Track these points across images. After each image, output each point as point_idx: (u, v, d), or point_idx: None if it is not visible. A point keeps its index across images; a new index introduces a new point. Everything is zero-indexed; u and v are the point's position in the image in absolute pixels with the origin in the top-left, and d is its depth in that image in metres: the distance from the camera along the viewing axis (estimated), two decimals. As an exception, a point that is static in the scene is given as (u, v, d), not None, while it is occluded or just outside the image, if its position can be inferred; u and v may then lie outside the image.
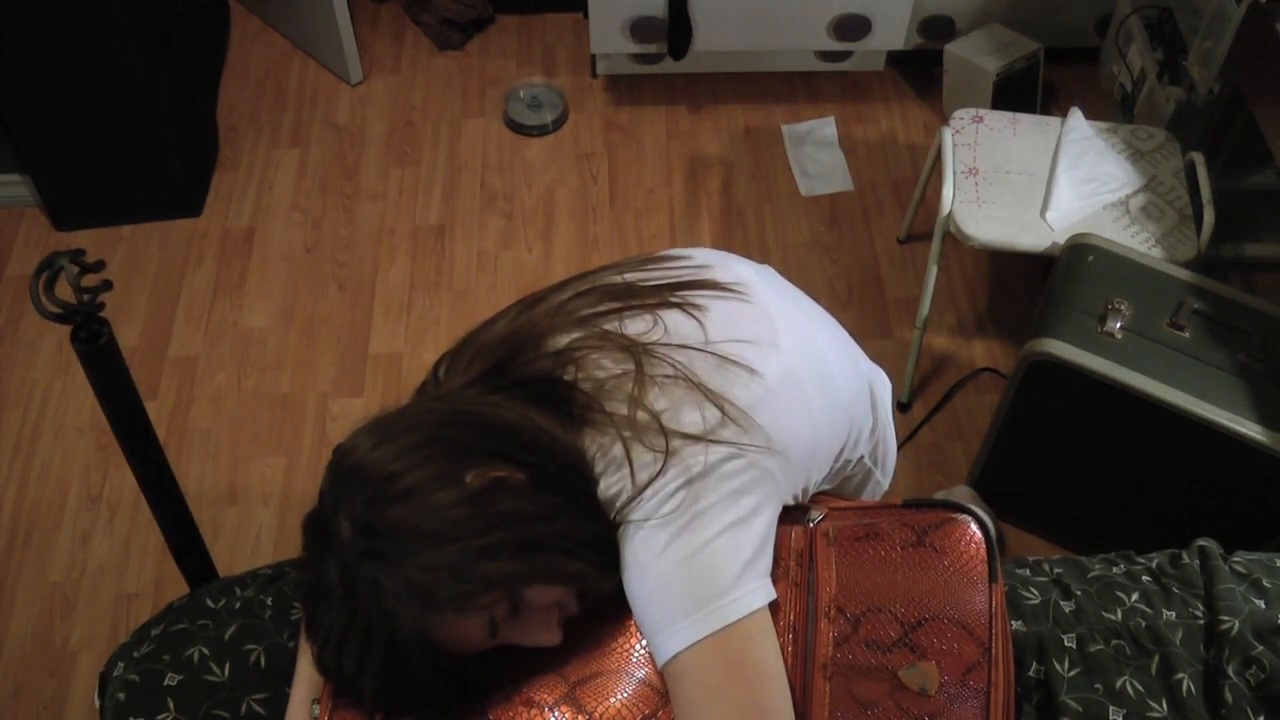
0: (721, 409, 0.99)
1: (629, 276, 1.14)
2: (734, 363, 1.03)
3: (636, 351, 1.03)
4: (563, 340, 1.06)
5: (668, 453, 0.97)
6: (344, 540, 0.93)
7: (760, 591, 0.97)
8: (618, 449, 0.98)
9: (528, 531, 0.94)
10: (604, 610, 1.03)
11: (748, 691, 0.94)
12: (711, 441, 0.98)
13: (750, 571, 0.96)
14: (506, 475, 0.95)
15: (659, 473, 0.96)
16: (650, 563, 0.95)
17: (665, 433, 0.97)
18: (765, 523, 1.00)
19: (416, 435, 0.97)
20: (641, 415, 0.99)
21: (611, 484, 0.99)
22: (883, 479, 1.36)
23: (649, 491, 0.96)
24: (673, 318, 1.07)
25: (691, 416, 0.99)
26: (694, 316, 1.07)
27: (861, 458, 1.26)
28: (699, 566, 0.94)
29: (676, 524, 0.95)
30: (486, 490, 0.94)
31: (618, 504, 0.98)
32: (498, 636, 0.97)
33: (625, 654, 1.01)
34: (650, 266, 1.15)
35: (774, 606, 0.99)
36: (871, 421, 1.26)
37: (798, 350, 1.09)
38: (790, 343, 1.08)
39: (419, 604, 0.91)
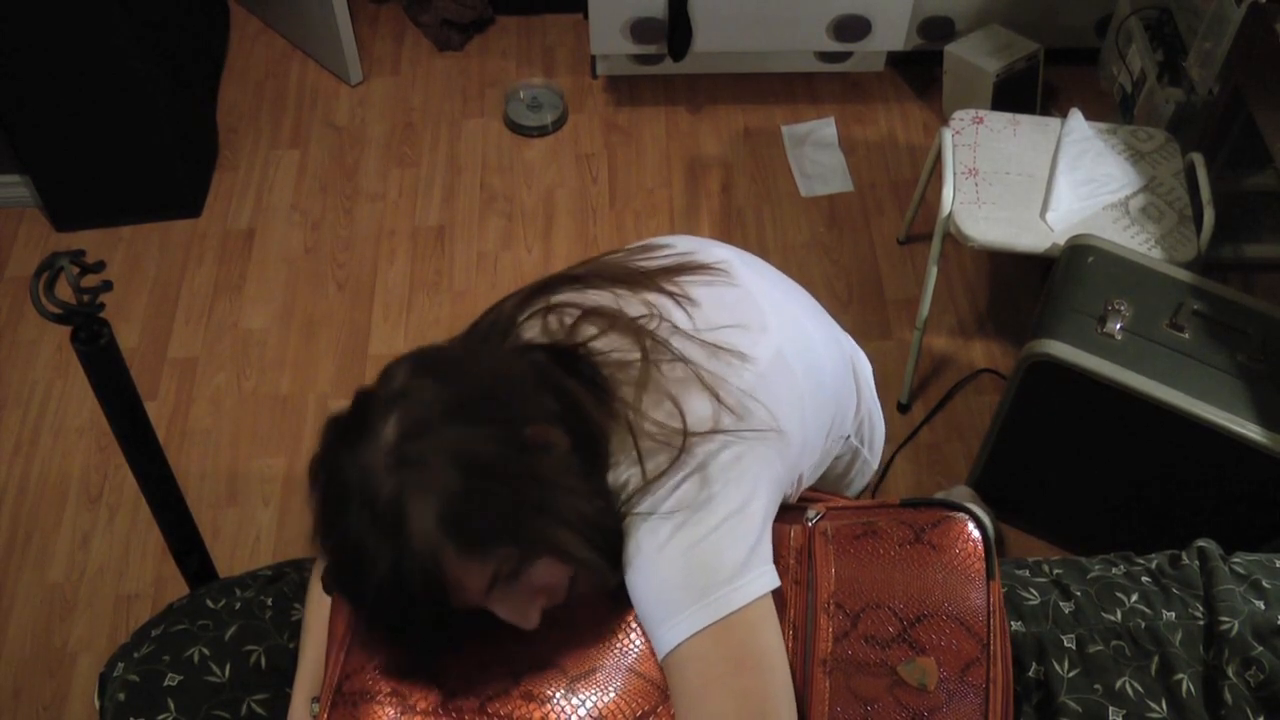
0: (719, 397, 0.99)
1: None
2: (726, 349, 1.03)
3: (643, 338, 1.03)
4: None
5: (674, 446, 0.96)
6: (388, 443, 0.90)
7: (765, 577, 0.96)
8: (628, 439, 0.98)
9: (565, 503, 0.93)
10: (605, 605, 1.03)
11: (750, 681, 0.94)
12: (712, 432, 0.97)
13: (754, 557, 0.96)
14: (560, 443, 0.95)
15: (664, 464, 0.96)
16: (653, 554, 0.95)
17: (668, 425, 0.97)
18: (764, 509, 1.00)
19: (493, 373, 0.96)
20: (648, 405, 0.98)
21: (619, 475, 0.98)
22: (871, 458, 1.36)
23: (654, 485, 0.96)
24: (664, 304, 1.07)
25: (692, 406, 0.99)
26: (682, 306, 1.07)
27: (848, 437, 1.26)
28: (702, 556, 0.94)
29: (679, 516, 0.95)
30: (542, 450, 0.93)
31: (623, 495, 0.98)
32: (488, 599, 0.95)
33: (625, 649, 1.01)
34: (636, 256, 1.15)
35: (779, 599, 0.99)
36: (855, 399, 1.26)
37: (784, 331, 1.09)
38: (776, 324, 1.09)
39: (442, 529, 0.89)
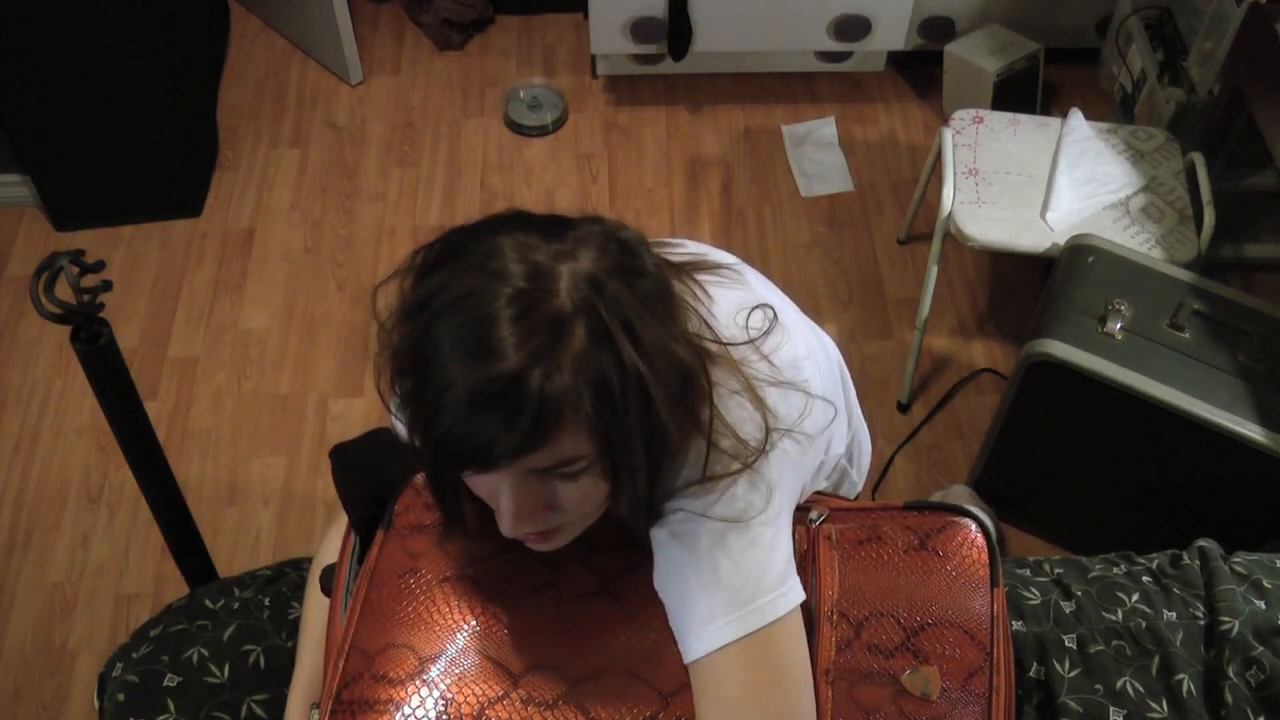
0: (762, 399, 0.96)
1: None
2: (765, 359, 1.01)
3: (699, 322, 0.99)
4: None
5: (736, 454, 0.93)
6: (583, 267, 0.82)
7: (799, 587, 0.95)
8: (700, 438, 0.93)
9: (667, 437, 0.87)
10: (606, 605, 1.02)
11: (784, 699, 0.92)
12: (763, 433, 0.95)
13: (790, 566, 0.95)
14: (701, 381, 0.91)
15: (724, 469, 0.93)
16: (705, 552, 0.92)
17: (737, 428, 0.94)
18: (790, 517, 0.99)
19: (665, 288, 0.90)
20: (722, 403, 0.95)
21: (678, 464, 0.94)
22: (857, 479, 1.34)
23: (710, 484, 0.92)
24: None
25: (750, 409, 0.96)
26: (703, 303, 1.05)
27: (839, 455, 1.25)
28: (753, 561, 0.92)
29: (729, 517, 0.92)
30: (686, 374, 0.88)
31: (670, 485, 0.94)
32: (519, 481, 0.87)
33: (628, 653, 1.00)
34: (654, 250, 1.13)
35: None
36: (846, 415, 1.25)
37: (798, 336, 1.08)
38: (792, 328, 1.07)
39: (583, 376, 0.80)
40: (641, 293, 0.84)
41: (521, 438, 0.80)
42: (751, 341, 1.00)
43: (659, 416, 0.85)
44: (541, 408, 0.79)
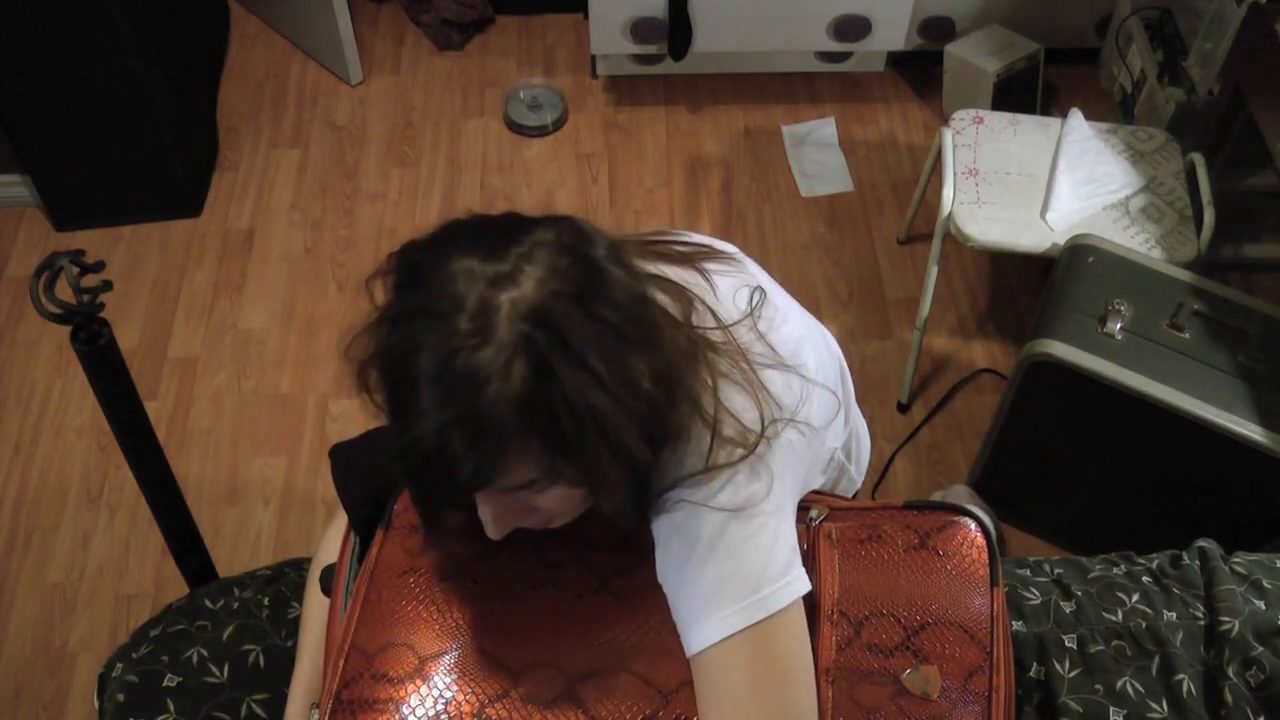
0: (767, 388, 0.96)
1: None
2: (764, 338, 1.00)
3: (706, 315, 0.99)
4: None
5: (740, 442, 0.93)
6: (525, 295, 0.81)
7: (804, 577, 0.94)
8: (703, 426, 0.93)
9: (639, 455, 0.87)
10: (606, 604, 1.02)
11: (790, 696, 0.92)
12: (769, 424, 0.94)
13: (796, 556, 0.94)
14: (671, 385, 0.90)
15: (726, 458, 0.92)
16: (707, 543, 0.91)
17: (740, 417, 0.94)
18: (793, 510, 0.99)
19: (634, 297, 0.88)
20: (724, 392, 0.95)
21: (680, 451, 0.94)
22: (856, 475, 1.34)
23: (712, 473, 0.92)
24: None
25: (747, 397, 0.95)
26: (711, 291, 1.03)
27: (835, 449, 1.24)
28: (757, 550, 0.91)
29: (732, 507, 0.92)
30: (653, 404, 0.86)
31: (675, 474, 0.93)
32: (488, 499, 0.90)
33: (627, 651, 1.00)
34: (655, 241, 1.12)
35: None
36: (844, 409, 1.24)
37: (802, 324, 1.07)
38: (796, 316, 1.07)
39: (526, 410, 0.80)
40: (599, 317, 0.83)
41: (470, 476, 0.83)
42: (750, 316, 1.00)
43: (624, 441, 0.85)
44: (484, 449, 0.81)
